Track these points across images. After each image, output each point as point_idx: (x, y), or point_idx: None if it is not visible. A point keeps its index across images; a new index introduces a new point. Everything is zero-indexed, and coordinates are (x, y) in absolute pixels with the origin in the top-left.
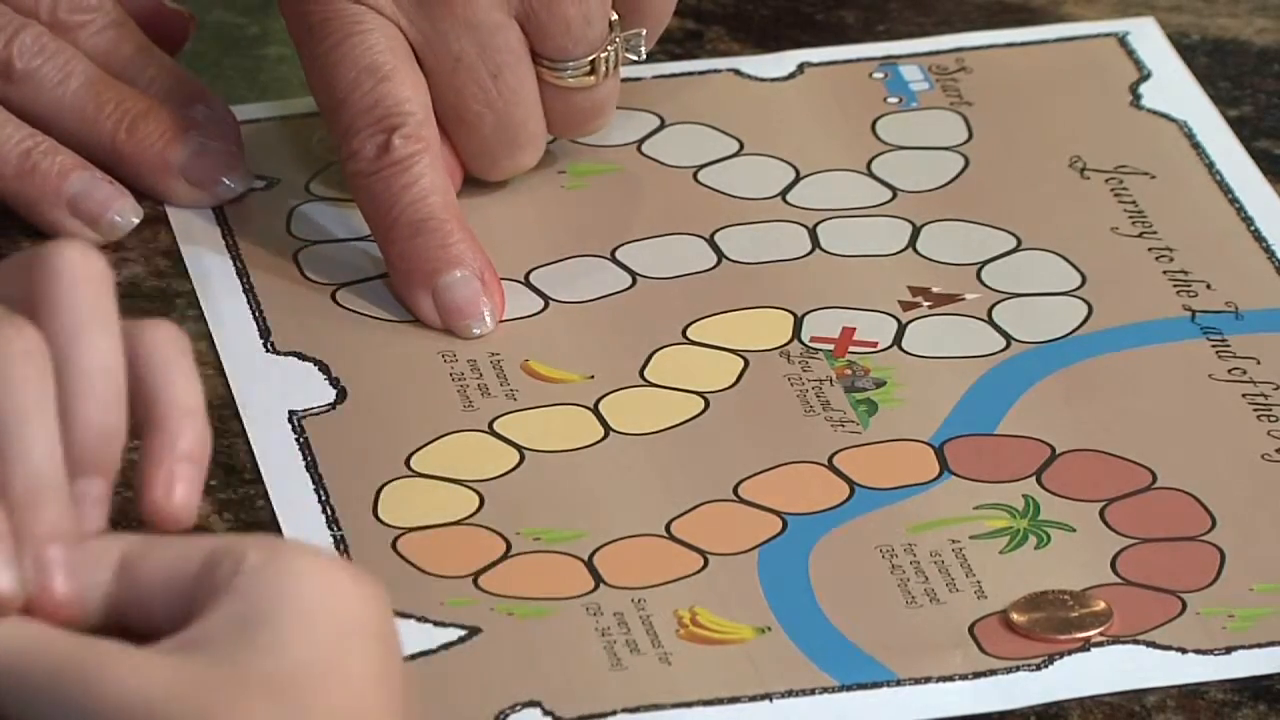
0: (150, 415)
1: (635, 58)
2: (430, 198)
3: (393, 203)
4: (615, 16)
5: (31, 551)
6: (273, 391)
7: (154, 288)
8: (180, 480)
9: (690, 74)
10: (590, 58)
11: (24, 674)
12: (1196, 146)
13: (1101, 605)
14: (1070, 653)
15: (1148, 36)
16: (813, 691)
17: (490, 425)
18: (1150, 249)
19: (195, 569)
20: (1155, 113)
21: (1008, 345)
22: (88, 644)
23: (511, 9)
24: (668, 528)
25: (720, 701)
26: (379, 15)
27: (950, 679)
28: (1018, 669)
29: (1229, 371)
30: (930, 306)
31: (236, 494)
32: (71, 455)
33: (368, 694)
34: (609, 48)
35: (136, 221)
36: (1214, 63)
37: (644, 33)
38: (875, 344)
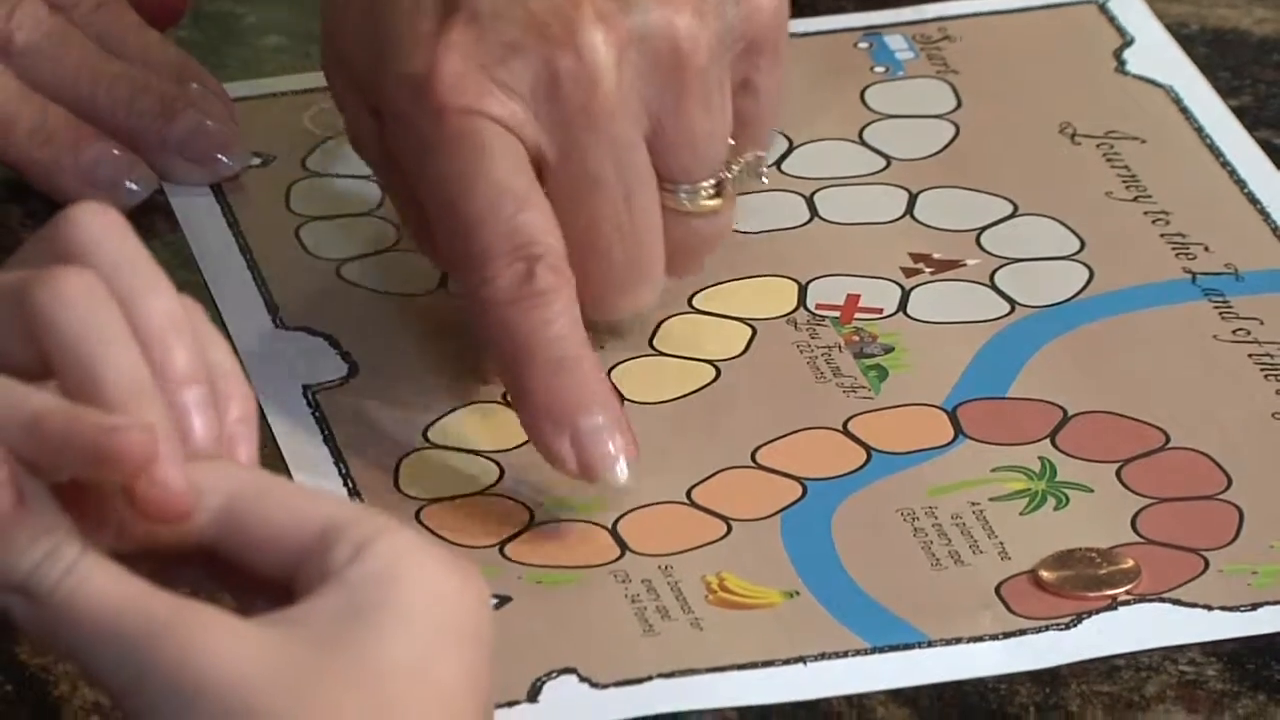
0: None
1: (763, 182)
2: (572, 336)
3: (532, 336)
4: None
5: None
6: (285, 367)
7: None
8: (241, 441)
9: None
10: (715, 180)
11: (117, 633)
12: (1184, 111)
13: (1130, 563)
14: (1097, 611)
15: (1128, 3)
16: (845, 654)
17: (505, 397)
18: (1146, 213)
19: (308, 539)
20: (1141, 78)
21: (1012, 310)
22: (187, 607)
23: (641, 127)
24: (689, 495)
25: (755, 665)
26: (514, 138)
27: (980, 639)
28: (1047, 628)
29: (1233, 332)
30: (932, 272)
31: None
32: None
33: (458, 699)
34: (734, 169)
35: (153, 189)
36: (1213, 53)
37: (765, 155)
38: (880, 310)
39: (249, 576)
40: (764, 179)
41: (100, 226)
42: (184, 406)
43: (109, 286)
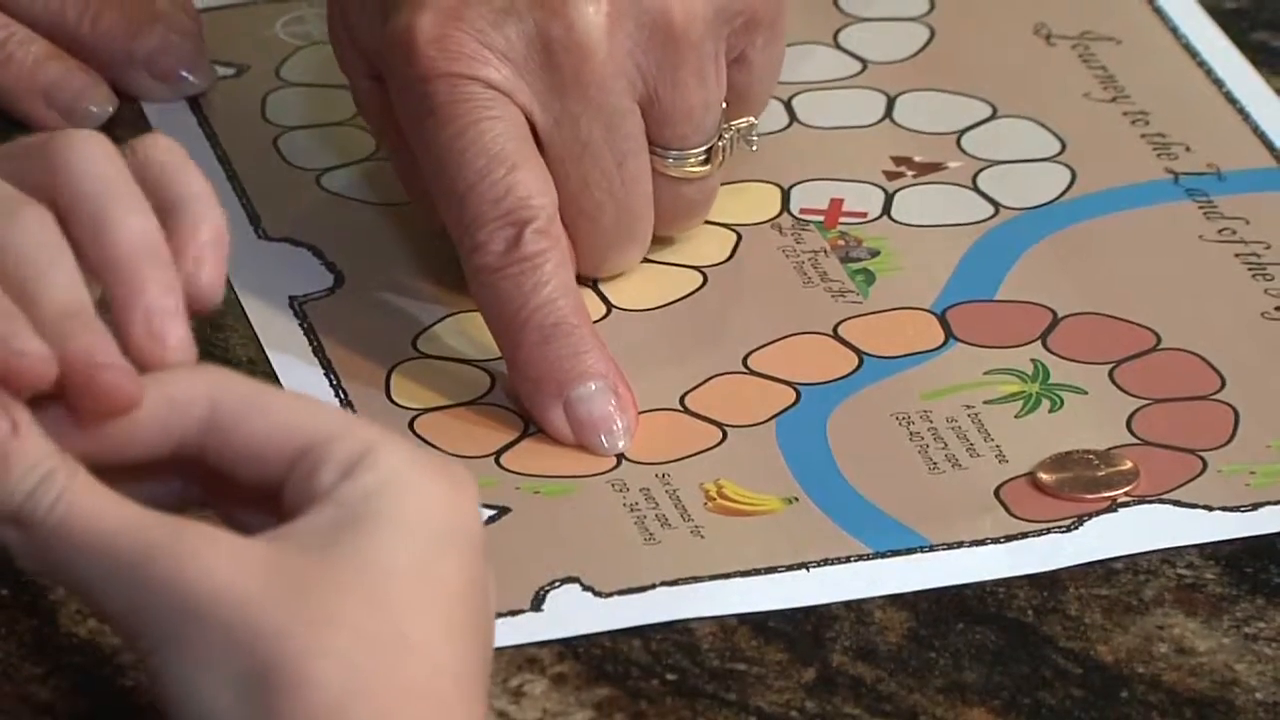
0: (166, 211)
1: (752, 149)
2: (561, 300)
3: (522, 304)
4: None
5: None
6: (270, 278)
7: None
8: (207, 262)
9: None
10: (707, 146)
11: (113, 555)
12: (1158, 11)
13: (1128, 464)
14: (1098, 514)
15: None
16: (848, 559)
17: None
18: (1125, 113)
19: (292, 454)
20: None
21: (996, 212)
22: (182, 526)
23: (635, 94)
24: (682, 401)
25: (757, 572)
26: (508, 101)
27: (983, 543)
28: (1049, 531)
29: (1219, 232)
30: (915, 175)
31: None
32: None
33: (456, 598)
34: (725, 136)
35: (112, 111)
36: None
37: (756, 123)
38: (865, 214)
39: (237, 488)
40: (754, 146)
41: (87, 151)
42: (160, 316)
43: (88, 207)
